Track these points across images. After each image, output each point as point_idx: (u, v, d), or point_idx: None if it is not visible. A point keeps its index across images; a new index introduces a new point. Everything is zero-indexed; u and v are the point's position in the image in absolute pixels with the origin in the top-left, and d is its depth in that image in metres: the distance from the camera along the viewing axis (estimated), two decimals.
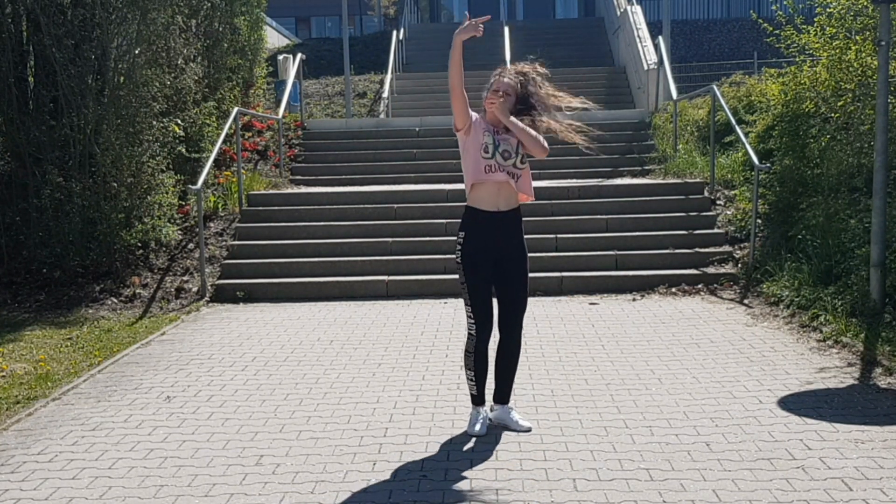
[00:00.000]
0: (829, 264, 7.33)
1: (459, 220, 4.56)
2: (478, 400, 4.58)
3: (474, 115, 4.49)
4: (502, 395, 4.64)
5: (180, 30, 10.12)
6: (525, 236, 4.55)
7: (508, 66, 4.54)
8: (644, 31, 16.16)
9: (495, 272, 4.48)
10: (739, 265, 8.54)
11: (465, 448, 4.34)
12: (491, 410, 4.67)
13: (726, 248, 8.88)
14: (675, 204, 9.70)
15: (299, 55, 14.12)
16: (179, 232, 9.49)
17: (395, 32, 17.92)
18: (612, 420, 4.71)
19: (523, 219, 4.58)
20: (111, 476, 4.12)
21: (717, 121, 10.55)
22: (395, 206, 9.80)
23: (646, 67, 14.88)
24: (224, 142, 10.39)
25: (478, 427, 4.52)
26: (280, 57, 16.20)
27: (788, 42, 8.96)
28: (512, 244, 4.48)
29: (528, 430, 4.54)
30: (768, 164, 9.33)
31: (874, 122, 6.87)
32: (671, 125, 11.86)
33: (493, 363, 4.63)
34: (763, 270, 8.09)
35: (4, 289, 8.57)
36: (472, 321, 4.45)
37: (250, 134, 12.46)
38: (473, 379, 4.53)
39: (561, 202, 9.81)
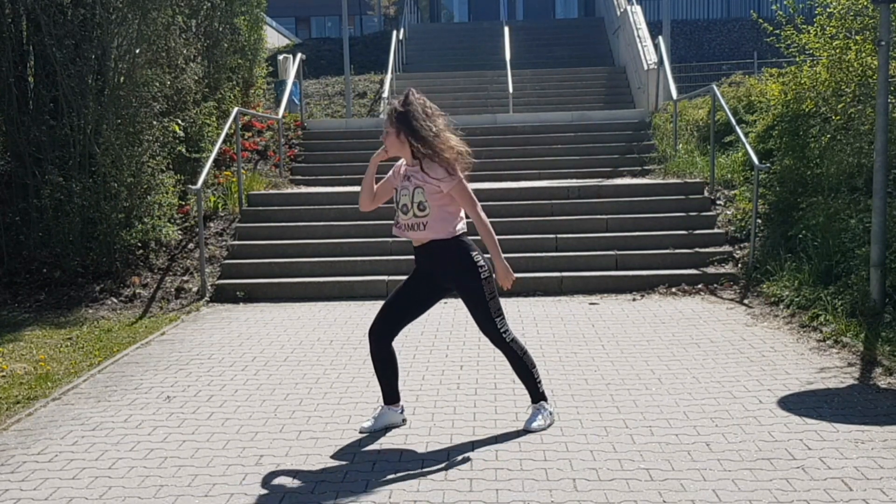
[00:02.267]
0: (829, 264, 7.33)
1: None
2: (388, 398, 4.67)
3: (402, 166, 4.54)
4: (531, 396, 4.67)
5: (180, 30, 10.12)
6: (475, 259, 4.42)
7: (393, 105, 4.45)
8: (644, 31, 16.16)
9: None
10: (739, 265, 8.54)
11: (465, 448, 4.34)
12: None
13: (726, 248, 8.88)
14: (675, 204, 9.70)
15: (299, 55, 14.12)
16: (179, 232, 9.49)
17: (395, 32, 17.92)
18: (612, 420, 4.71)
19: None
20: (111, 476, 4.11)
21: (717, 121, 10.55)
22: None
23: (646, 67, 14.88)
24: (224, 142, 10.39)
25: (367, 423, 4.66)
26: (280, 57, 16.21)
27: (788, 42, 8.97)
28: (446, 273, 4.46)
29: (533, 431, 4.52)
30: (768, 164, 9.33)
31: (874, 122, 6.87)
32: (671, 125, 11.86)
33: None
34: (763, 270, 8.10)
35: (4, 289, 8.57)
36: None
37: (250, 134, 12.46)
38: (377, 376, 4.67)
39: (561, 202, 9.81)
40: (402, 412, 4.71)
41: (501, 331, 4.47)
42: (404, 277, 4.64)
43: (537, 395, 4.63)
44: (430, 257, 4.45)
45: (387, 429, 4.63)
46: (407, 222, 4.42)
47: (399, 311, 4.56)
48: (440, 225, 4.38)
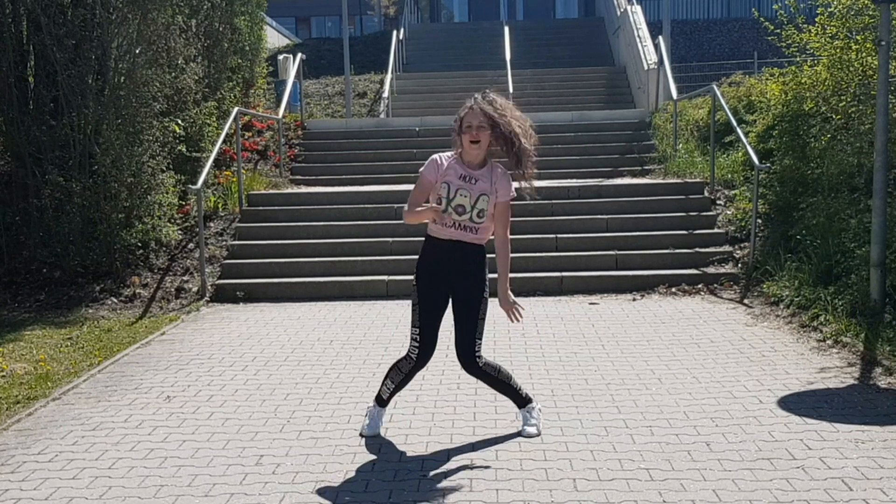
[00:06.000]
0: (830, 264, 7.33)
1: None
2: (382, 402, 4.59)
3: (444, 161, 4.30)
4: (515, 402, 4.61)
5: (180, 30, 10.12)
6: (488, 275, 4.35)
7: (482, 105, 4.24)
8: (644, 31, 16.16)
9: (452, 304, 4.39)
10: (739, 265, 8.54)
11: (466, 448, 4.34)
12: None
13: (726, 247, 8.88)
14: (675, 204, 9.70)
15: (299, 55, 14.13)
16: (179, 232, 9.48)
17: (395, 32, 17.92)
18: (612, 420, 4.71)
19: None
20: (111, 476, 4.12)
21: (717, 121, 10.55)
22: (396, 206, 9.79)
23: (646, 67, 14.87)
24: (224, 142, 10.39)
25: (367, 429, 4.57)
26: (280, 57, 16.20)
27: (789, 41, 8.96)
28: (466, 279, 4.32)
29: (533, 435, 4.49)
30: (768, 164, 9.32)
31: (874, 122, 6.87)
32: (671, 125, 11.86)
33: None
34: (763, 270, 8.09)
35: (4, 289, 8.57)
36: (416, 345, 4.35)
37: (250, 134, 12.46)
38: (390, 389, 4.51)
39: (561, 202, 9.81)
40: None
41: (476, 353, 4.34)
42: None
43: (523, 401, 4.58)
44: (461, 257, 4.31)
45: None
46: (461, 222, 4.25)
47: (438, 322, 4.42)
48: (485, 234, 4.35)
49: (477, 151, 4.26)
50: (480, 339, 4.37)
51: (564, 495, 3.75)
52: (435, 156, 4.37)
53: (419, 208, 4.27)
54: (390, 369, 4.50)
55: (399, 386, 4.50)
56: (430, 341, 4.36)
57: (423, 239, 4.43)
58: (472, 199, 4.24)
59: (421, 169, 4.36)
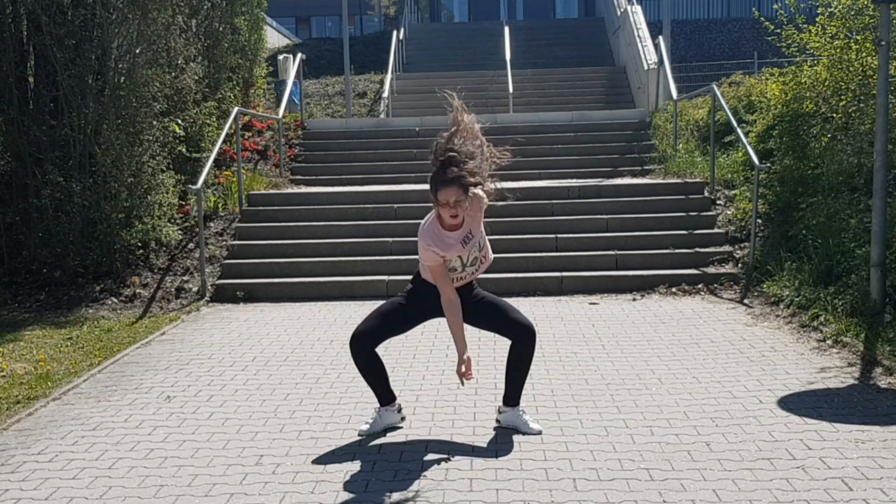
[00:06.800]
0: (830, 264, 7.33)
1: None
2: (384, 399, 4.62)
3: (438, 232, 4.35)
4: (511, 399, 4.58)
5: (180, 30, 10.12)
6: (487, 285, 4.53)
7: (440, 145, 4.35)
8: (644, 31, 16.16)
9: (477, 318, 4.52)
10: (739, 265, 8.54)
11: (466, 448, 4.34)
12: (499, 413, 4.62)
13: (726, 247, 8.88)
14: (675, 204, 9.70)
15: (299, 55, 14.13)
16: (179, 232, 9.48)
17: (395, 32, 17.93)
18: (612, 420, 4.71)
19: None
20: (111, 476, 4.11)
21: (717, 121, 10.55)
22: (396, 206, 9.80)
23: (646, 67, 14.88)
24: (224, 142, 10.39)
25: (364, 426, 4.60)
26: (280, 57, 16.21)
27: (789, 41, 8.97)
28: (475, 303, 4.52)
29: (539, 433, 4.49)
30: (768, 164, 9.32)
31: (874, 122, 6.87)
32: (671, 125, 11.86)
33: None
34: (763, 270, 8.09)
35: (4, 289, 8.57)
36: (360, 325, 4.50)
37: (250, 134, 12.46)
38: (373, 388, 4.59)
39: (561, 202, 9.81)
40: (399, 410, 4.67)
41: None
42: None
43: (518, 399, 4.59)
44: (466, 292, 4.48)
45: (386, 430, 4.61)
46: (467, 274, 4.45)
47: (391, 325, 4.55)
48: (487, 262, 4.59)
49: (458, 221, 4.34)
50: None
51: (564, 495, 3.75)
52: (427, 229, 4.38)
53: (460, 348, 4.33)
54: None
55: (370, 374, 4.55)
56: (372, 336, 4.47)
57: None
58: (479, 243, 4.44)
59: (427, 244, 4.33)
